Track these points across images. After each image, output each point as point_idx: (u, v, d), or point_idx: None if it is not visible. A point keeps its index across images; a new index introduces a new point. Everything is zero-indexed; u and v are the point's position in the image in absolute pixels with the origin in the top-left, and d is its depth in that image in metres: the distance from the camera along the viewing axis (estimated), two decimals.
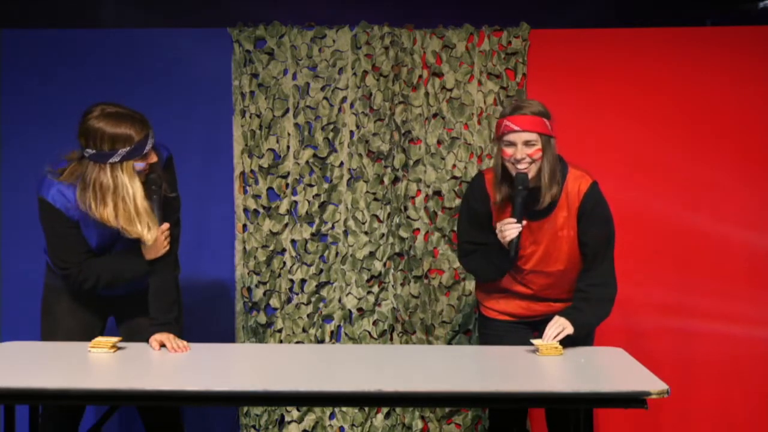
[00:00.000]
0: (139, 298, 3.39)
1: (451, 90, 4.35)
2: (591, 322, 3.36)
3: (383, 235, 4.33)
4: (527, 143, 3.29)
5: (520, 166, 3.29)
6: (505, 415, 3.65)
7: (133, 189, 3.16)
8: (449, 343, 4.35)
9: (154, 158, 3.21)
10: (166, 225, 3.33)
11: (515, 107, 3.34)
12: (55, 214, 3.23)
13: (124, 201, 3.15)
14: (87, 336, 3.35)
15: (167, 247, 3.34)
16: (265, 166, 4.36)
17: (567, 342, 3.27)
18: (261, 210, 4.38)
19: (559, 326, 3.26)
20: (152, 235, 3.23)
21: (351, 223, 4.34)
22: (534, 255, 3.42)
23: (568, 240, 3.39)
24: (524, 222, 3.30)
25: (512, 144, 3.30)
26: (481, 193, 3.46)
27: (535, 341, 3.24)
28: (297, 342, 4.36)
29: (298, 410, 4.35)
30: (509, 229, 3.28)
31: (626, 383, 2.84)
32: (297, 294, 4.38)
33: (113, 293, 3.44)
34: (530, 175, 3.29)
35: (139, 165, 3.17)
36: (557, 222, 3.38)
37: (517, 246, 3.30)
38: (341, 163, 4.35)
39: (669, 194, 4.33)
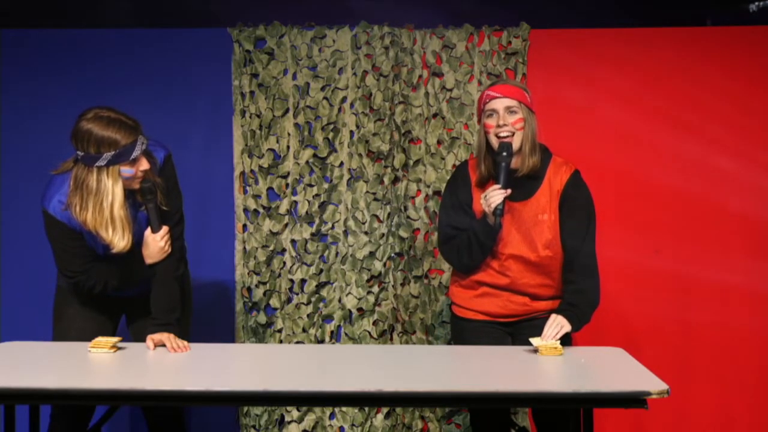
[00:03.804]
0: (149, 299, 3.39)
1: (451, 90, 4.35)
2: (586, 314, 3.35)
3: (383, 235, 4.33)
4: (509, 110, 3.36)
5: (503, 134, 3.34)
6: (487, 415, 3.61)
7: (114, 195, 3.16)
8: (449, 343, 4.35)
9: (145, 165, 3.19)
10: (165, 228, 3.33)
11: (495, 81, 3.53)
12: (58, 226, 3.24)
13: (101, 206, 3.16)
14: (99, 336, 3.35)
15: (168, 251, 3.34)
16: (265, 166, 4.36)
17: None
18: (261, 210, 4.38)
19: (558, 325, 3.26)
20: (123, 244, 3.21)
21: (351, 223, 4.34)
22: (514, 238, 3.41)
23: (549, 225, 3.40)
24: (509, 191, 3.31)
25: (495, 112, 3.37)
26: (463, 178, 3.50)
27: (534, 341, 3.24)
28: (297, 342, 4.36)
29: (298, 410, 4.35)
30: (494, 195, 3.30)
31: (626, 383, 2.84)
32: (297, 294, 4.38)
33: (125, 294, 3.45)
34: (513, 146, 3.35)
35: (127, 171, 3.16)
36: (538, 205, 3.40)
37: (502, 213, 3.31)
38: (341, 163, 4.36)
39: (669, 193, 4.33)
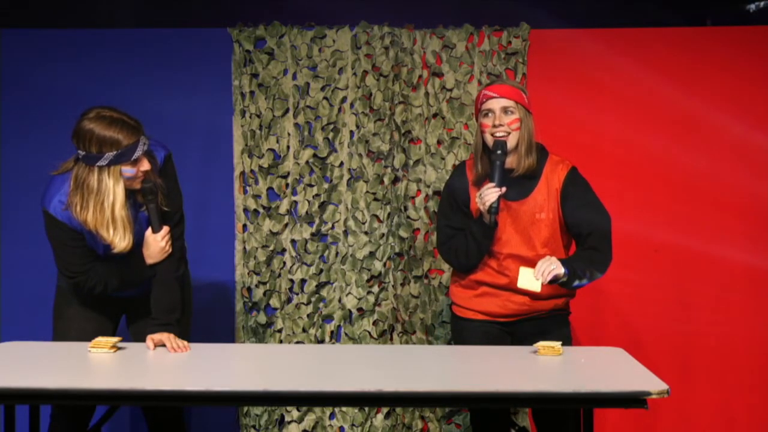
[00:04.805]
0: (149, 299, 3.39)
1: (451, 90, 4.35)
2: (583, 270, 3.31)
3: (383, 235, 4.33)
4: (505, 110, 3.37)
5: (499, 134, 3.35)
6: (487, 415, 3.62)
7: (115, 195, 3.16)
8: (449, 343, 4.35)
9: (146, 165, 3.20)
10: (166, 228, 3.33)
11: (493, 81, 3.54)
12: (58, 226, 3.25)
13: (102, 206, 3.16)
14: (99, 336, 3.35)
15: (168, 251, 3.34)
16: (265, 166, 4.36)
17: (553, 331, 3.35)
18: (261, 210, 4.38)
19: (551, 263, 3.24)
20: (124, 244, 3.22)
21: (351, 223, 4.34)
22: (512, 237, 3.42)
23: (548, 223, 3.40)
24: (503, 189, 3.32)
25: (491, 112, 3.38)
26: (461, 178, 3.51)
27: (523, 270, 3.23)
28: (297, 342, 4.36)
29: (298, 410, 4.35)
30: (489, 194, 3.30)
31: (626, 383, 2.84)
32: (297, 294, 4.38)
33: (125, 295, 3.45)
34: (509, 145, 3.35)
35: (129, 171, 3.17)
36: (536, 203, 3.40)
37: (497, 211, 3.32)
38: (341, 163, 4.36)
39: (669, 193, 4.34)
